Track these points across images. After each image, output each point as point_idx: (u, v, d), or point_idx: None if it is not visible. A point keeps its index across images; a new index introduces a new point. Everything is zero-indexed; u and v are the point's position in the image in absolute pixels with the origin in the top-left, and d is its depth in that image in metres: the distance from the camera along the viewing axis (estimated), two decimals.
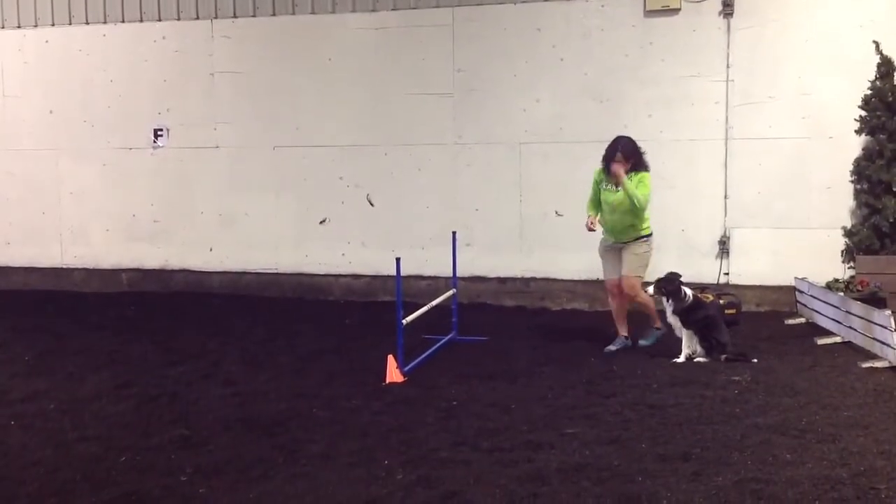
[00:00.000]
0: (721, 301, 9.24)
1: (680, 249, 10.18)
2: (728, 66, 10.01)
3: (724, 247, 10.14)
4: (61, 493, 5.12)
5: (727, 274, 10.16)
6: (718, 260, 10.17)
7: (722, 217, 10.16)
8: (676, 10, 10.09)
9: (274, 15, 11.39)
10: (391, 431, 6.09)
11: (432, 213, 11.00)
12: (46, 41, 12.17)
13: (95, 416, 6.60)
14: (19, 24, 12.28)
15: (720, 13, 9.98)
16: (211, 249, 11.82)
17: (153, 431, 6.19)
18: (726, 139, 10.07)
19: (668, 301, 8.01)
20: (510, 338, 8.94)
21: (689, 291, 8.01)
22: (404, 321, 7.51)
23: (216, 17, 11.58)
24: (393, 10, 11.00)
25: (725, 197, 10.12)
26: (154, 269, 12.00)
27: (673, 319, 8.01)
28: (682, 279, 8.08)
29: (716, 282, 10.06)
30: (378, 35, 11.06)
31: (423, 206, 11.04)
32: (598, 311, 10.21)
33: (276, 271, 11.58)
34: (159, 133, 11.88)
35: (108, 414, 6.64)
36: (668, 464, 5.33)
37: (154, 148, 11.86)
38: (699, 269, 10.08)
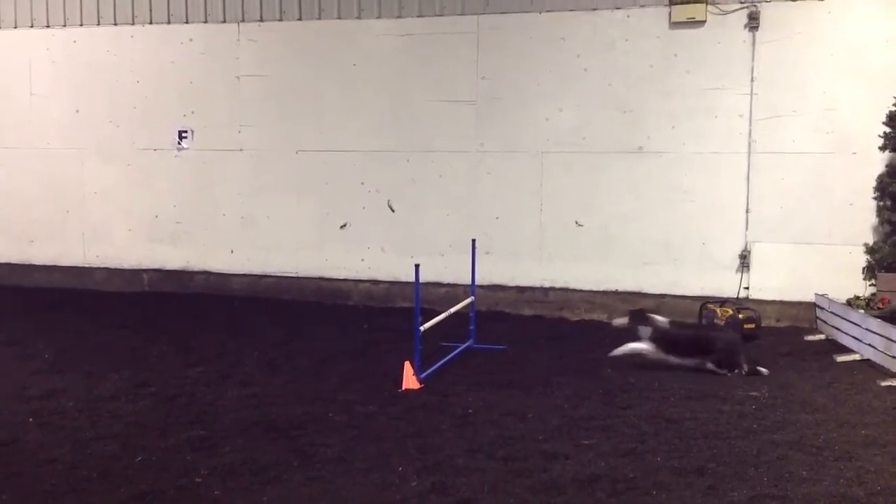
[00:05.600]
0: (740, 315, 9.20)
1: (700, 262, 10.16)
2: (752, 80, 9.97)
3: (744, 261, 10.09)
4: (77, 490, 5.17)
5: (747, 288, 10.10)
6: (739, 274, 10.11)
7: (743, 231, 10.11)
8: (702, 23, 10.06)
9: (300, 19, 11.44)
10: (407, 437, 6.10)
11: (452, 221, 11.00)
12: (74, 41, 12.27)
13: (113, 414, 6.65)
14: (48, 23, 12.40)
15: (746, 26, 9.94)
16: (232, 251, 11.87)
17: (170, 431, 6.23)
18: (749, 153, 10.02)
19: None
20: (528, 347, 8.93)
21: (661, 320, 8.24)
22: (422, 328, 7.52)
23: (243, 21, 11.64)
24: (418, 17, 11.02)
25: (747, 211, 10.07)
26: (175, 270, 12.06)
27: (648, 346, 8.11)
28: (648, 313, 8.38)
29: (735, 296, 10.01)
30: (403, 41, 11.09)
31: (443, 213, 11.05)
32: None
33: (296, 275, 11.61)
34: (184, 135, 11.95)
35: (126, 413, 6.69)
36: (684, 477, 5.31)
37: (179, 149, 11.92)
38: (719, 282, 10.06)
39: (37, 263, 12.63)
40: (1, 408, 6.83)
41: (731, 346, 8.01)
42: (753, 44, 9.97)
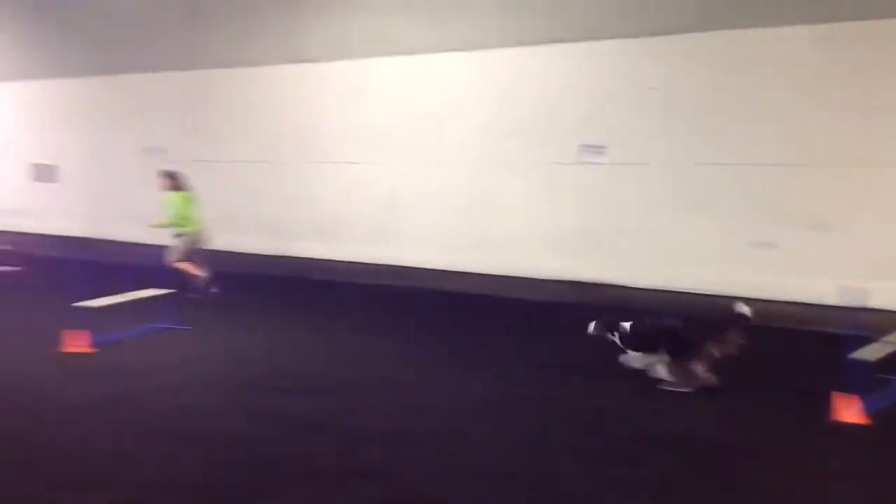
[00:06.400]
0: None
1: None
2: None
3: None
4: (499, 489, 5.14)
5: None
6: None
7: None
8: None
9: (700, 31, 11.05)
10: (842, 475, 5.39)
11: (889, 240, 9.87)
12: (487, 63, 12.79)
13: (489, 415, 6.56)
14: (464, 47, 13.00)
15: None
16: (635, 265, 11.64)
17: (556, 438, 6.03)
18: None
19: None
20: None
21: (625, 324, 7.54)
22: (857, 356, 6.65)
23: (646, 35, 11.49)
24: (837, 21, 10.11)
25: None
26: (579, 282, 12.03)
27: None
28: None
29: None
30: (818, 47, 10.22)
31: (878, 231, 9.97)
32: None
33: (706, 292, 11.01)
34: (597, 149, 11.96)
35: (504, 415, 6.59)
36: None
37: (593, 164, 11.95)
38: None
39: (462, 270, 13.18)
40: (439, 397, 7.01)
41: (679, 332, 7.27)
42: None
